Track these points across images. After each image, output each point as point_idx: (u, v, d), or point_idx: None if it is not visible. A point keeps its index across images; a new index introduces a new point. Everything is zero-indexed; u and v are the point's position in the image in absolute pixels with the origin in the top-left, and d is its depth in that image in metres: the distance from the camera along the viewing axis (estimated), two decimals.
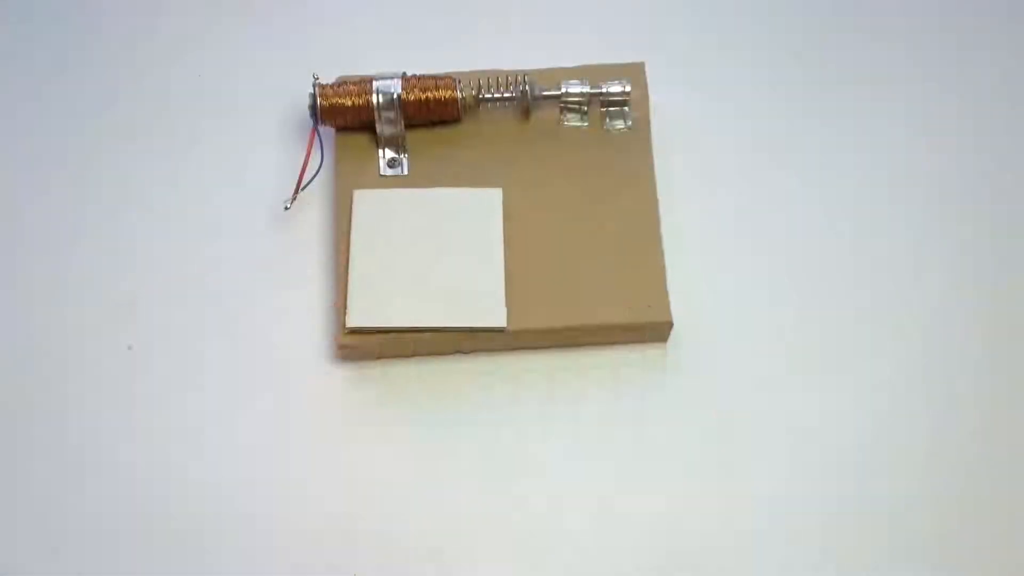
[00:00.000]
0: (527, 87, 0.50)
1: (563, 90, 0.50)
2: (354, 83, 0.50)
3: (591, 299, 0.47)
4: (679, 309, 0.47)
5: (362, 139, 0.51)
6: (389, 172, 0.50)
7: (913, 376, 0.48)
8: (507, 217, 0.49)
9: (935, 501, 0.46)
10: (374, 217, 0.48)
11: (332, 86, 0.50)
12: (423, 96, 0.50)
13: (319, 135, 0.50)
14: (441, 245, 0.47)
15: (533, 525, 0.45)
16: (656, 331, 0.48)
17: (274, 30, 0.56)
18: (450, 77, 0.50)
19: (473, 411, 0.48)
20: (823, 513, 0.46)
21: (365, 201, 0.49)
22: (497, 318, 0.47)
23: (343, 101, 0.50)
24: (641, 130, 0.51)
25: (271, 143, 0.53)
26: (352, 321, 0.46)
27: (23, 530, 0.45)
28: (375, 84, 0.50)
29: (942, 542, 0.45)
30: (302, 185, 0.50)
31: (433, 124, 0.51)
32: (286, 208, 0.50)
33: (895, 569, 0.45)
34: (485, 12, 0.57)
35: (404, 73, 0.50)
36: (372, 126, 0.50)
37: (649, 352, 0.49)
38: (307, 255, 0.50)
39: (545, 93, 0.51)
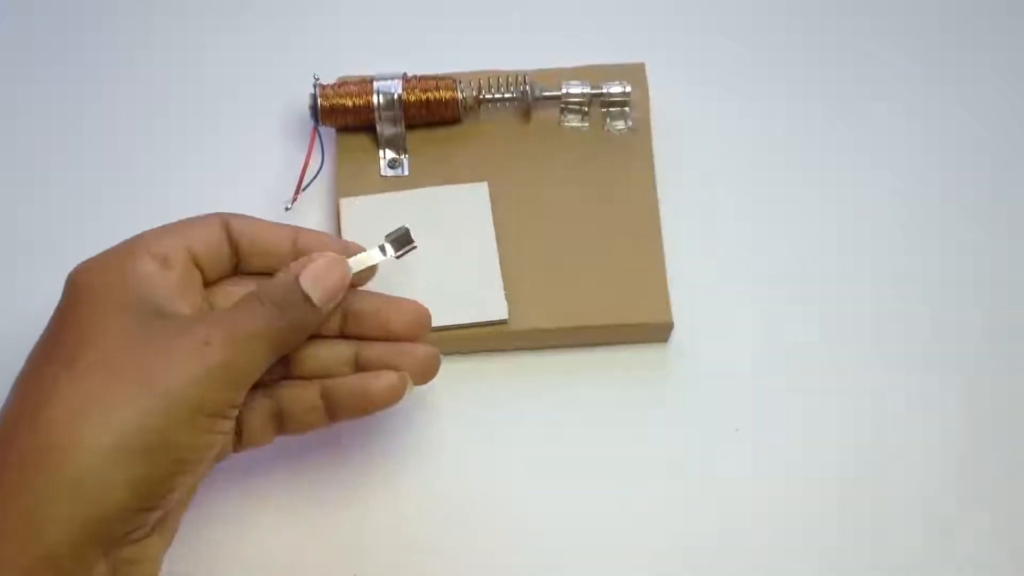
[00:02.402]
0: (527, 88, 0.50)
1: (563, 91, 0.50)
2: (354, 83, 0.50)
3: (591, 299, 0.48)
4: (679, 309, 0.47)
5: (363, 139, 0.51)
6: (390, 172, 0.51)
7: (914, 376, 0.48)
8: (507, 217, 0.49)
9: (937, 502, 0.46)
10: (363, 224, 0.48)
11: (332, 86, 0.50)
12: (423, 96, 0.50)
13: (319, 135, 0.51)
14: (433, 244, 0.47)
15: (531, 525, 0.45)
16: (656, 331, 0.48)
17: (274, 30, 0.56)
18: (450, 78, 0.50)
19: (472, 411, 0.48)
20: (823, 513, 0.46)
21: (352, 209, 0.49)
22: (498, 311, 0.47)
23: (343, 101, 0.50)
24: (641, 130, 0.51)
25: (271, 143, 0.53)
26: None
27: None
28: (375, 84, 0.50)
29: (943, 545, 0.45)
30: (303, 186, 0.50)
31: (434, 124, 0.51)
32: (287, 209, 0.50)
33: (898, 570, 0.45)
34: (485, 12, 0.57)
35: (404, 73, 0.50)
36: (373, 126, 0.50)
37: (649, 352, 0.49)
38: None
39: (545, 94, 0.51)
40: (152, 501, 0.34)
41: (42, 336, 0.37)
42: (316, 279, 0.38)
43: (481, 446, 0.47)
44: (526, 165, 0.51)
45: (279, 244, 0.40)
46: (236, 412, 0.37)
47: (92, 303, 0.36)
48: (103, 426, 0.33)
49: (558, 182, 0.50)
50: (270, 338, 0.37)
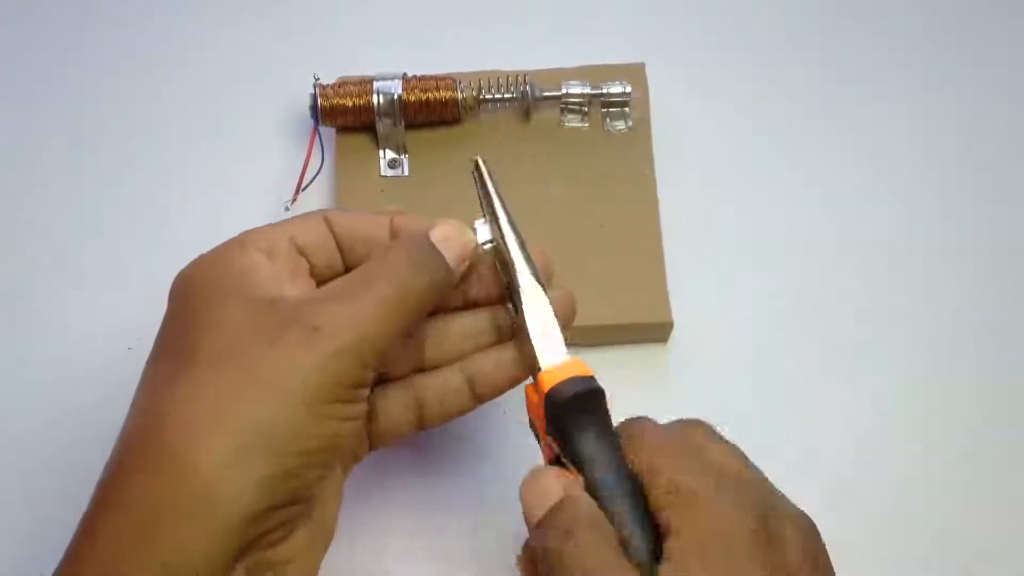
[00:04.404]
0: (527, 88, 0.50)
1: (563, 91, 0.50)
2: (354, 83, 0.50)
3: (591, 299, 0.47)
4: (679, 309, 0.47)
5: (362, 139, 0.51)
6: (390, 172, 0.51)
7: (915, 376, 0.48)
8: None
9: (937, 502, 0.46)
10: None
11: (332, 86, 0.50)
12: (423, 97, 0.50)
13: (319, 135, 0.51)
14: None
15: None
16: (656, 331, 0.48)
17: (274, 30, 0.56)
18: (450, 78, 0.50)
19: (474, 411, 0.48)
20: (823, 514, 0.46)
21: None
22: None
23: (343, 101, 0.50)
24: (641, 130, 0.51)
25: (271, 143, 0.53)
26: None
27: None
28: (375, 84, 0.50)
29: (943, 544, 0.45)
30: (303, 186, 0.50)
31: (433, 124, 0.51)
32: (286, 209, 0.50)
33: (896, 571, 0.45)
34: (485, 12, 0.56)
35: (404, 74, 0.50)
36: (372, 126, 0.50)
37: (649, 352, 0.49)
38: None
39: (545, 94, 0.51)
40: (281, 499, 0.32)
41: (155, 341, 0.35)
42: (447, 238, 0.36)
43: (481, 445, 0.47)
44: (526, 165, 0.51)
45: (378, 231, 0.37)
46: (365, 393, 0.34)
47: (199, 299, 0.34)
48: (220, 429, 0.31)
49: (558, 182, 0.50)
50: (402, 302, 0.34)
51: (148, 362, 0.35)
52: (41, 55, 0.56)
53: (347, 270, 0.37)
